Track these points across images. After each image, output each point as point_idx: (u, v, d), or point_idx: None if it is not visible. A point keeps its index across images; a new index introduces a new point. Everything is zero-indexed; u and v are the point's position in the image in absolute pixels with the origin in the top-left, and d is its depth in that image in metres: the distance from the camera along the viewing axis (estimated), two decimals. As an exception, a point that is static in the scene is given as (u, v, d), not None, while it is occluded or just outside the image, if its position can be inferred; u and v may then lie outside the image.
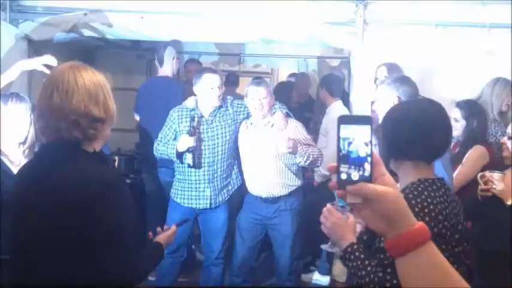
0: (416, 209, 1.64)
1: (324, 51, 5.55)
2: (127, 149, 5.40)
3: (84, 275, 1.57)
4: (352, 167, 0.87)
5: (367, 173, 0.86)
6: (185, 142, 3.50)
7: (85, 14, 4.05)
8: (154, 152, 3.78)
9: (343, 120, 0.88)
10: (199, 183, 3.65)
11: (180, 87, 4.43)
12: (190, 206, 3.69)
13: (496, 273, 2.47)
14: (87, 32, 4.12)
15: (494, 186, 2.66)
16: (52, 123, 1.62)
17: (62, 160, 1.63)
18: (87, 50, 5.45)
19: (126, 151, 5.32)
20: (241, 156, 3.78)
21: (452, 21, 3.91)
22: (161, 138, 3.73)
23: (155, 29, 4.13)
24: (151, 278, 3.86)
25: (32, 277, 1.64)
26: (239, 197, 3.94)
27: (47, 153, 1.69)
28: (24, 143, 2.46)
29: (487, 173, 2.72)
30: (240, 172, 3.83)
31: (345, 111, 4.21)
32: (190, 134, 3.52)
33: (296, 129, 3.66)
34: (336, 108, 4.42)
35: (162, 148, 3.69)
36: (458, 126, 3.18)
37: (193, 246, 4.81)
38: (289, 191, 3.68)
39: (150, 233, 2.17)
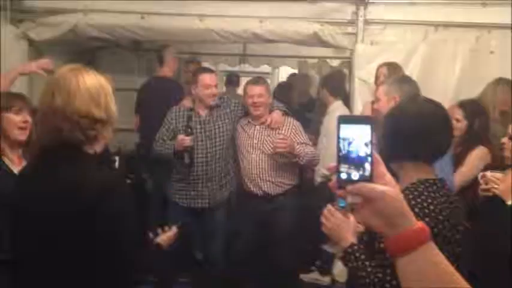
0: (417, 209, 1.64)
1: (324, 52, 5.53)
2: (127, 149, 5.40)
3: (83, 280, 1.57)
4: (352, 167, 0.87)
5: (367, 173, 0.86)
6: (182, 142, 3.51)
7: (85, 15, 4.06)
8: (152, 151, 3.79)
9: (343, 120, 0.88)
10: (197, 183, 3.66)
11: (180, 88, 4.44)
12: (188, 205, 3.70)
13: (496, 274, 2.47)
14: (87, 33, 4.13)
15: (495, 186, 2.65)
16: (54, 124, 1.62)
17: (63, 162, 1.63)
18: (88, 50, 5.44)
19: (127, 151, 5.32)
20: (238, 155, 3.80)
21: (452, 21, 3.90)
22: (158, 137, 3.74)
23: (155, 30, 4.14)
24: (151, 278, 3.86)
25: (32, 283, 1.64)
26: (237, 196, 3.95)
27: (48, 155, 1.69)
28: (25, 144, 2.46)
29: (488, 173, 2.71)
30: (237, 170, 3.84)
31: (346, 111, 4.21)
32: (188, 133, 3.53)
33: (293, 128, 3.68)
34: (337, 108, 4.42)
35: (160, 148, 3.70)
36: (460, 127, 3.18)
37: (192, 246, 4.80)
38: (285, 189, 3.69)
39: (151, 234, 2.17)
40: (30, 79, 3.79)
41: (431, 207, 1.66)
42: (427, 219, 1.62)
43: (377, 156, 0.88)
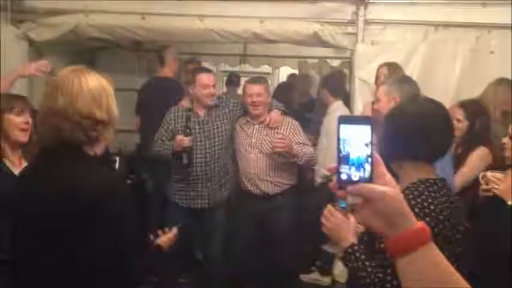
0: (417, 209, 1.64)
1: (324, 52, 5.54)
2: (128, 149, 5.40)
3: (84, 281, 1.57)
4: (353, 167, 0.87)
5: (367, 174, 0.87)
6: (181, 142, 3.51)
7: (86, 15, 4.06)
8: (151, 152, 3.80)
9: (343, 120, 0.88)
10: (197, 183, 3.67)
11: (181, 88, 4.44)
12: (188, 206, 3.70)
13: (496, 274, 2.47)
14: (88, 33, 4.13)
15: (495, 186, 2.65)
16: (55, 124, 1.62)
17: (63, 163, 1.63)
18: (88, 50, 5.44)
19: (127, 152, 5.32)
20: (236, 154, 3.80)
21: (452, 21, 3.90)
22: (157, 138, 3.74)
23: (156, 30, 4.14)
24: (152, 279, 3.86)
25: (32, 284, 1.64)
26: (236, 195, 3.95)
27: (48, 155, 1.69)
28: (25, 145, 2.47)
29: (489, 173, 2.71)
30: (236, 170, 3.84)
31: (346, 112, 4.21)
32: (186, 134, 3.54)
33: (292, 127, 3.69)
34: (337, 109, 4.42)
35: (158, 148, 3.71)
36: (461, 127, 3.17)
37: (193, 247, 4.81)
38: (283, 189, 3.70)
39: (151, 236, 2.17)
40: (30, 80, 3.80)
41: (432, 207, 1.66)
42: (427, 219, 1.62)
43: (377, 156, 0.88)
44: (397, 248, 0.88)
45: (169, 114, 3.73)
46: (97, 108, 1.65)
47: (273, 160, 3.64)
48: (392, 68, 3.54)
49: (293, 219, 3.77)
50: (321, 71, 6.57)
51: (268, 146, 3.58)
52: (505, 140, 2.84)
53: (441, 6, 3.91)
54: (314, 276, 4.65)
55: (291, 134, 3.66)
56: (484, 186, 2.69)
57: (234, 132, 3.79)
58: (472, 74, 3.83)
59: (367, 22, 3.98)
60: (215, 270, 3.82)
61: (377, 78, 3.61)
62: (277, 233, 3.74)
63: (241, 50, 6.25)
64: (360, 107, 3.91)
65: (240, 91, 5.76)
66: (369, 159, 0.87)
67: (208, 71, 3.86)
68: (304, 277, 4.59)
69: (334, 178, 0.89)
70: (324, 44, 4.13)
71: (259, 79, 3.81)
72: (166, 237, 2.16)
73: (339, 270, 4.42)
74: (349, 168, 0.87)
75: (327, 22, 4.02)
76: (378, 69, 3.63)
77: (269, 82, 4.63)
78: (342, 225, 1.79)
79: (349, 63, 4.52)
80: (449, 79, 3.90)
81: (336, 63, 6.15)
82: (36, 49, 4.16)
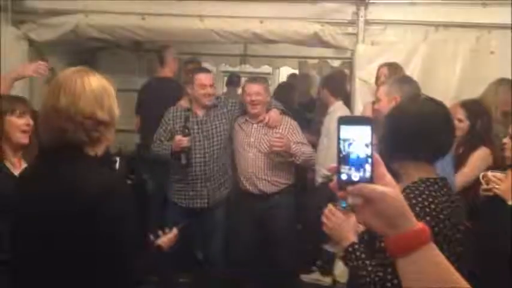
0: (417, 208, 1.64)
1: (325, 52, 5.54)
2: (128, 149, 5.40)
3: (84, 281, 1.57)
4: (353, 168, 0.87)
5: (367, 174, 0.87)
6: (179, 142, 3.51)
7: (86, 15, 4.06)
8: (150, 152, 3.80)
9: (343, 121, 0.88)
10: (196, 183, 3.67)
11: (181, 88, 4.43)
12: (188, 206, 3.70)
13: (496, 274, 2.47)
14: (88, 33, 4.13)
15: (496, 186, 2.65)
16: (58, 124, 1.62)
17: (64, 163, 1.63)
18: (88, 51, 5.45)
19: (127, 152, 5.32)
20: (234, 153, 3.81)
21: (452, 21, 3.90)
22: (156, 138, 3.75)
23: (156, 30, 4.14)
24: (152, 279, 3.86)
25: (32, 284, 1.64)
26: (234, 195, 3.96)
27: (49, 155, 1.69)
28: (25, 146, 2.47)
29: (489, 173, 2.71)
30: (234, 169, 3.85)
31: (347, 112, 4.21)
32: (185, 134, 3.54)
33: (290, 127, 3.71)
34: (338, 109, 4.42)
35: (157, 149, 3.71)
36: (462, 127, 3.17)
37: (193, 246, 4.81)
38: (280, 188, 3.71)
39: (151, 236, 2.17)
40: (30, 81, 3.80)
41: (432, 206, 1.66)
42: (427, 218, 1.62)
43: (377, 157, 0.88)
44: (397, 248, 0.88)
45: (168, 114, 3.74)
46: (99, 108, 1.66)
47: (271, 159, 3.66)
48: (393, 68, 3.54)
49: (291, 219, 3.79)
50: (321, 71, 6.57)
51: (267, 145, 3.60)
52: (506, 140, 2.84)
53: (441, 7, 3.91)
54: (315, 277, 4.64)
55: (289, 133, 3.68)
56: (484, 186, 2.69)
57: (233, 132, 3.79)
58: (472, 74, 3.83)
59: (367, 22, 3.98)
60: (215, 270, 3.83)
61: (377, 78, 3.61)
62: (275, 232, 3.75)
63: (242, 50, 6.25)
64: (360, 107, 3.91)
65: (240, 91, 5.76)
66: (369, 160, 0.87)
67: (207, 71, 3.87)
68: (305, 277, 4.59)
69: (335, 178, 0.89)
70: (324, 44, 4.13)
71: (258, 79, 3.84)
72: (166, 238, 2.17)
73: (340, 270, 4.42)
74: (350, 169, 0.87)
75: (327, 22, 4.02)
76: (379, 70, 3.63)
77: (269, 82, 4.64)
78: (343, 225, 1.79)
79: (349, 63, 4.52)
80: (450, 79, 3.89)
81: (336, 63, 6.14)
82: (37, 49, 4.17)
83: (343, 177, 0.87)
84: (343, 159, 0.87)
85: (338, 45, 4.14)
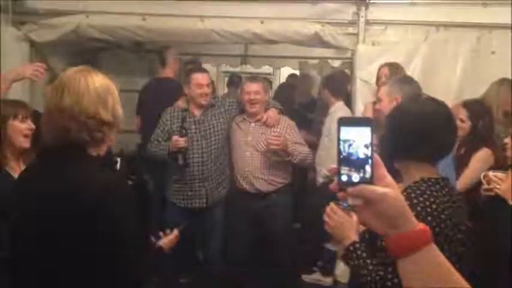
0: (419, 208, 1.64)
1: (325, 52, 5.54)
2: (129, 150, 5.40)
3: (84, 282, 1.57)
4: (353, 169, 0.87)
5: (367, 175, 0.87)
6: (176, 143, 3.52)
7: (87, 16, 4.07)
8: (147, 152, 3.81)
9: (343, 122, 0.88)
10: (194, 183, 3.67)
11: (182, 89, 4.44)
12: (186, 206, 3.71)
13: (497, 274, 2.47)
14: (89, 34, 4.13)
15: (497, 186, 2.65)
16: (61, 124, 1.62)
17: (65, 163, 1.63)
18: (89, 51, 5.45)
19: (128, 152, 5.32)
20: (231, 152, 3.82)
21: (453, 21, 3.90)
22: (153, 139, 3.75)
23: (157, 31, 4.14)
24: (152, 279, 3.86)
25: (32, 284, 1.64)
26: (232, 194, 3.96)
27: (51, 155, 1.69)
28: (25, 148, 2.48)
29: (490, 173, 2.71)
30: (231, 168, 3.85)
31: (347, 113, 4.21)
32: (182, 134, 3.54)
33: (288, 127, 3.73)
34: (339, 109, 4.42)
35: (154, 149, 3.72)
36: (464, 127, 3.16)
37: (194, 247, 4.81)
38: (277, 187, 3.71)
39: (152, 238, 2.17)
40: (30, 82, 3.80)
41: (434, 206, 1.66)
42: (429, 218, 1.62)
43: (377, 158, 0.88)
44: (398, 249, 0.88)
45: (165, 114, 3.75)
46: (103, 108, 1.66)
47: (268, 158, 3.67)
48: (394, 68, 3.54)
49: (288, 217, 3.79)
50: (322, 71, 6.57)
51: (264, 144, 3.62)
52: (507, 140, 2.84)
53: (442, 7, 3.91)
54: (316, 277, 4.64)
55: (286, 133, 3.69)
56: (485, 186, 2.69)
57: (230, 130, 3.80)
58: (473, 74, 3.83)
59: (368, 22, 3.98)
60: (215, 270, 3.83)
61: (378, 78, 3.61)
62: (272, 231, 3.76)
63: (242, 51, 6.25)
64: (360, 107, 3.91)
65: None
66: (369, 161, 0.87)
67: (203, 70, 3.87)
68: (306, 277, 4.59)
69: (335, 179, 0.89)
70: (325, 44, 4.13)
71: (257, 78, 3.85)
72: (167, 239, 2.17)
73: (341, 270, 4.42)
74: (350, 170, 0.87)
75: (327, 22, 4.03)
76: (379, 70, 3.63)
77: (270, 82, 4.64)
78: (345, 224, 1.79)
79: (350, 63, 4.52)
80: (451, 79, 3.89)
81: (336, 63, 6.14)
82: (37, 50, 4.17)
83: (344, 178, 0.87)
84: (343, 160, 0.87)
85: (339, 45, 4.14)
